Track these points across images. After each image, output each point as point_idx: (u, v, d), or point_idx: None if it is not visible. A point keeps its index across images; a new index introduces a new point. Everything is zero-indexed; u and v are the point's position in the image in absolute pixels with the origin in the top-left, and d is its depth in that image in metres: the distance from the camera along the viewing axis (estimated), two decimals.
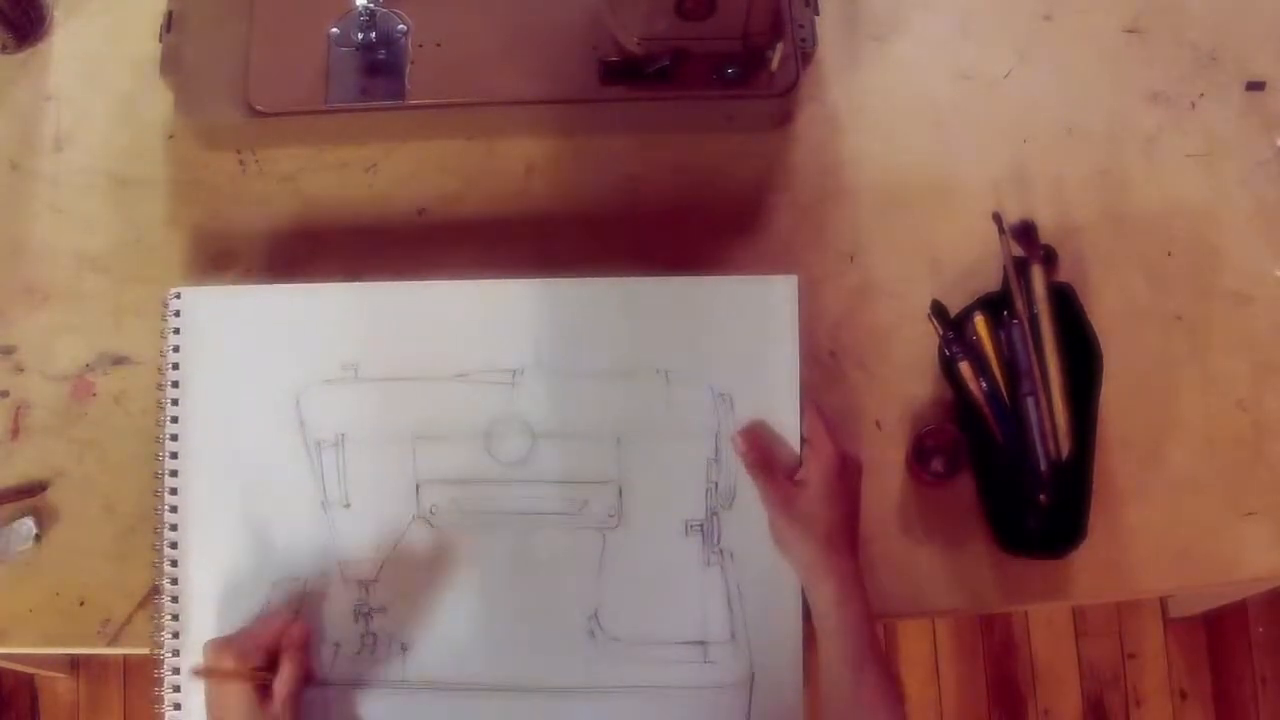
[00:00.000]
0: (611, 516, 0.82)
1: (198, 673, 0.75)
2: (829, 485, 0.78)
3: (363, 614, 0.81)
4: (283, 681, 0.76)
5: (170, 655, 0.80)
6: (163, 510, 0.81)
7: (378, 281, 0.87)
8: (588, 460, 0.82)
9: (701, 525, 0.82)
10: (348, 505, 0.82)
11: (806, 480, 0.79)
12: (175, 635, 0.80)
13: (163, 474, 0.82)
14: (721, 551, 0.82)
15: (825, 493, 0.78)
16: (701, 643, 0.81)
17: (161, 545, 0.81)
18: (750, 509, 0.81)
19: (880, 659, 0.75)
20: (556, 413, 0.82)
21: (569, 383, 0.83)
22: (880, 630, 0.77)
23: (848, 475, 0.79)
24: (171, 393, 0.82)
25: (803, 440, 0.82)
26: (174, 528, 0.81)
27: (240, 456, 0.82)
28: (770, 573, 0.81)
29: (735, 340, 0.83)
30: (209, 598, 0.81)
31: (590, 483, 0.82)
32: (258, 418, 0.82)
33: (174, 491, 0.81)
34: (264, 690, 0.75)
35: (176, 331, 0.83)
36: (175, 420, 0.82)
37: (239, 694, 0.75)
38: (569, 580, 0.82)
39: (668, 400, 0.83)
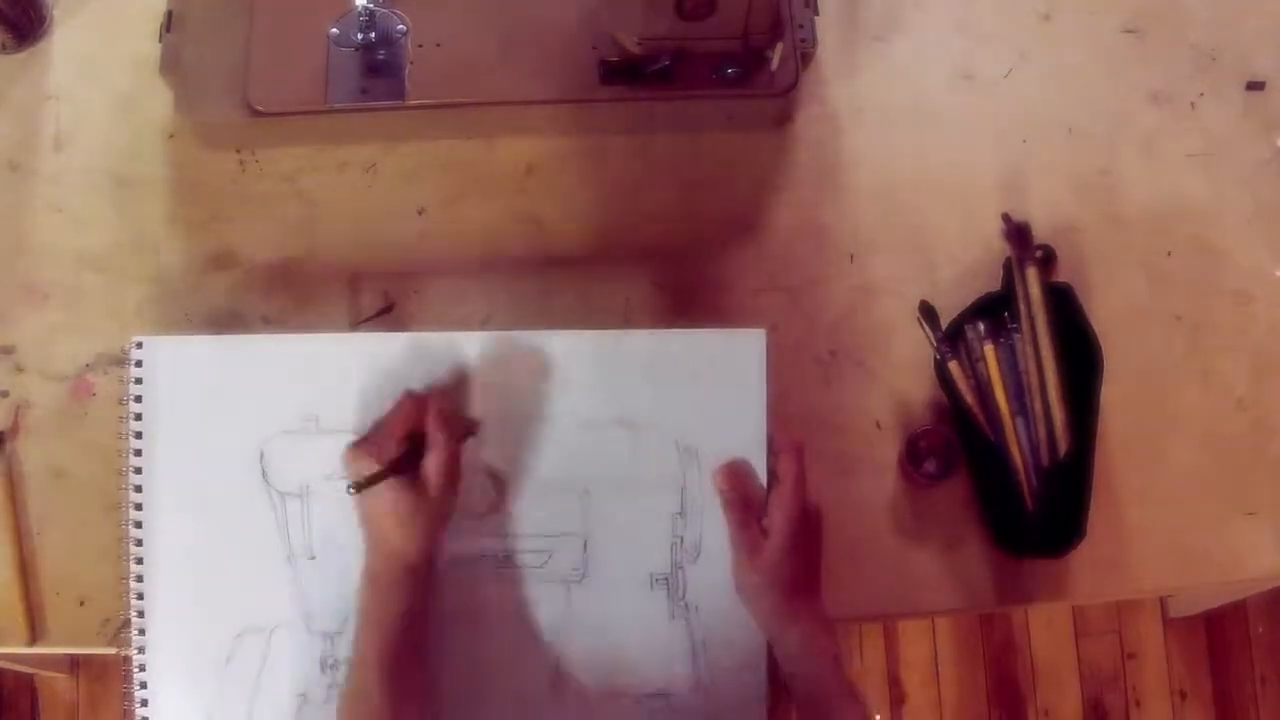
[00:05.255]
0: (575, 569, 0.81)
1: (354, 487, 0.73)
2: (791, 537, 0.77)
3: (329, 665, 0.81)
4: (437, 457, 0.74)
5: (139, 690, 0.81)
6: (128, 558, 0.81)
7: (337, 333, 0.88)
8: (553, 513, 0.81)
9: (666, 578, 0.81)
10: (313, 557, 0.81)
11: (770, 529, 0.78)
12: (143, 686, 0.80)
13: (127, 522, 0.81)
14: (686, 605, 0.81)
15: (788, 545, 0.77)
16: (665, 695, 0.81)
17: (128, 594, 0.81)
18: (715, 563, 0.81)
19: (853, 697, 0.75)
20: (521, 465, 0.82)
21: (534, 435, 0.82)
22: (848, 670, 0.77)
23: (809, 526, 0.78)
24: (134, 442, 0.82)
25: (769, 484, 0.81)
26: (140, 578, 0.81)
27: (205, 506, 0.81)
28: (734, 626, 0.80)
29: (702, 394, 0.82)
30: (174, 649, 0.80)
31: (555, 535, 0.82)
32: (222, 468, 0.82)
33: (139, 543, 0.81)
34: (414, 479, 0.74)
35: (138, 381, 0.82)
36: (139, 471, 0.81)
37: (391, 495, 0.73)
38: (533, 632, 0.81)
39: (633, 453, 0.82)
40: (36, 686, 1.61)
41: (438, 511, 0.75)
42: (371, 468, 0.73)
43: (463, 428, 0.80)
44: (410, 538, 0.74)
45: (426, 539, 0.75)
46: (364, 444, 0.75)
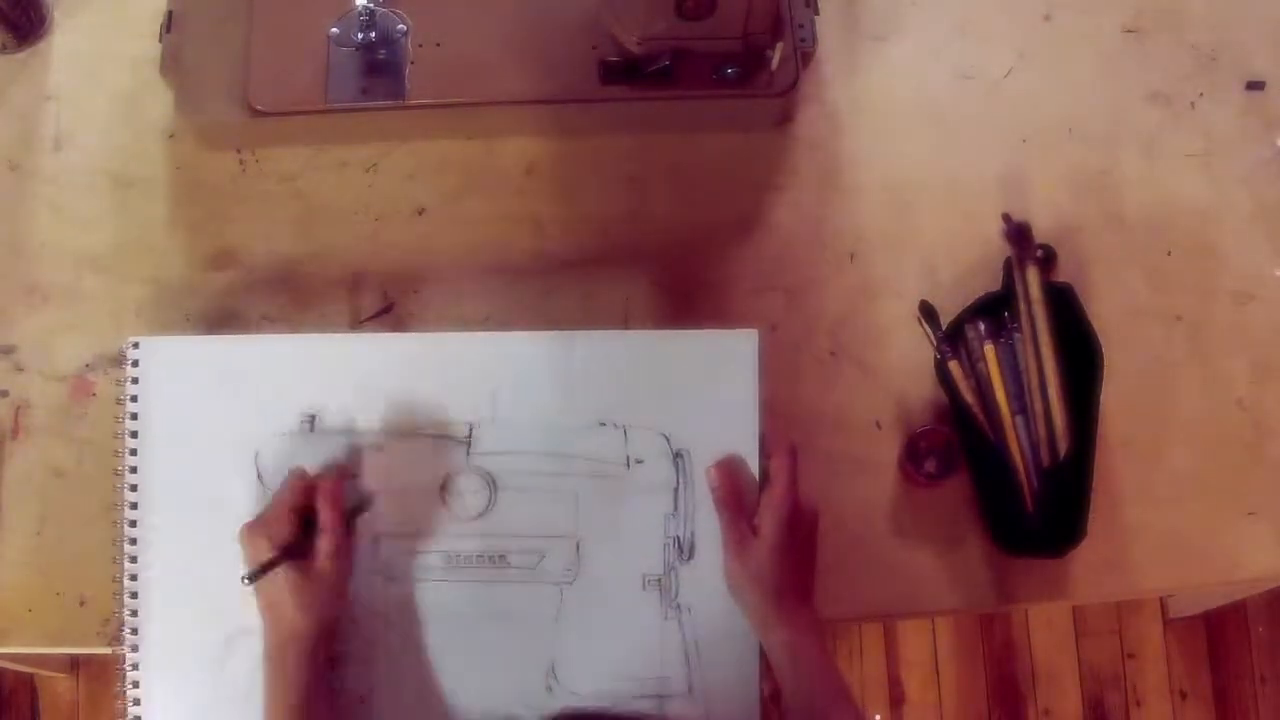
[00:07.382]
0: (568, 571, 0.81)
1: (249, 578, 0.74)
2: (781, 537, 0.77)
3: None
4: (326, 540, 0.76)
5: (132, 695, 0.80)
6: (122, 559, 0.81)
7: (334, 333, 0.88)
8: (545, 514, 0.81)
9: (659, 579, 0.81)
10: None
11: (760, 529, 0.78)
12: (135, 685, 0.80)
13: (122, 522, 0.81)
14: (679, 606, 0.81)
15: (777, 545, 0.77)
16: (659, 696, 0.81)
17: (122, 594, 0.81)
18: (708, 564, 0.81)
19: (843, 697, 0.75)
20: (513, 467, 0.82)
21: (526, 437, 0.82)
22: (839, 670, 0.78)
23: (800, 527, 0.78)
24: (130, 442, 0.82)
25: (761, 484, 0.81)
26: (134, 577, 0.81)
27: (200, 507, 0.81)
28: (727, 627, 0.80)
29: (694, 394, 0.82)
30: (167, 649, 0.80)
31: (547, 537, 0.81)
32: (217, 468, 0.82)
33: (133, 541, 0.81)
34: (305, 557, 0.75)
35: (135, 381, 0.82)
36: (134, 470, 0.82)
37: (286, 579, 0.74)
38: (526, 634, 0.81)
39: (626, 455, 0.82)
40: (36, 686, 1.61)
41: (331, 589, 0.77)
42: (265, 551, 0.74)
43: (351, 506, 0.80)
44: (306, 617, 0.75)
45: (321, 616, 0.76)
46: (258, 525, 0.76)
